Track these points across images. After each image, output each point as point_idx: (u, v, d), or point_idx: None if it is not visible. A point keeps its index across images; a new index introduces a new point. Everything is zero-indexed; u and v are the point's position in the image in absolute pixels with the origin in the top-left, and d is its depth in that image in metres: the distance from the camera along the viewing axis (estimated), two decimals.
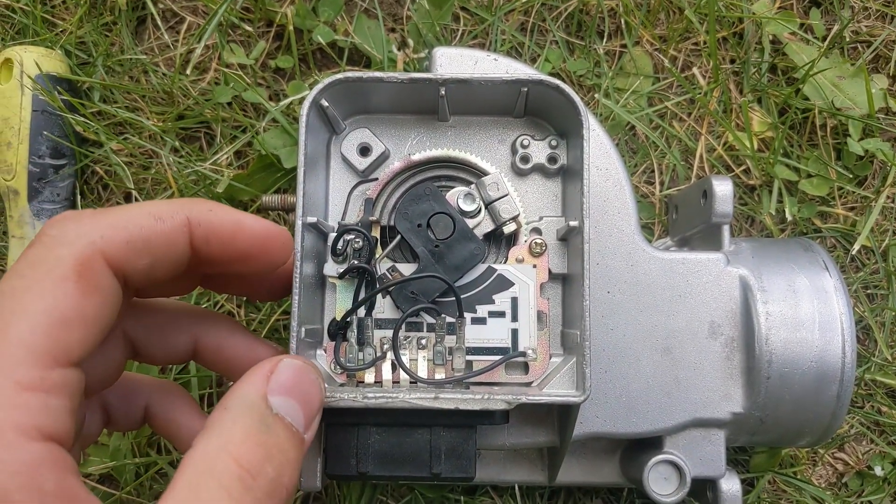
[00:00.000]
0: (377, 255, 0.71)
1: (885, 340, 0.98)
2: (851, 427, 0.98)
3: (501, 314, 0.71)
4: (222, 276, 0.66)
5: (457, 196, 0.71)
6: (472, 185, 0.72)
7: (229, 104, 0.99)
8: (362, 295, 0.69)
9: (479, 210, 0.71)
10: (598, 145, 0.77)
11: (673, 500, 0.75)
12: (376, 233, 0.72)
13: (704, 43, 1.04)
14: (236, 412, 0.50)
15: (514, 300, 0.71)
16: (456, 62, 0.77)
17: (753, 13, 1.04)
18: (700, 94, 1.02)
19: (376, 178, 0.74)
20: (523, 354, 0.70)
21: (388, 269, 0.71)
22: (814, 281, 0.77)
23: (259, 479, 0.47)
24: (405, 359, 0.69)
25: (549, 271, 0.72)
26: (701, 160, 1.01)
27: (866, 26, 1.07)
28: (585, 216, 0.66)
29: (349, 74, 0.68)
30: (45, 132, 0.94)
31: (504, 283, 0.71)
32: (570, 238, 0.72)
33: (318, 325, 0.72)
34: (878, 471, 0.96)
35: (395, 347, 0.67)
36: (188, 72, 1.00)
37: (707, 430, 0.77)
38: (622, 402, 0.75)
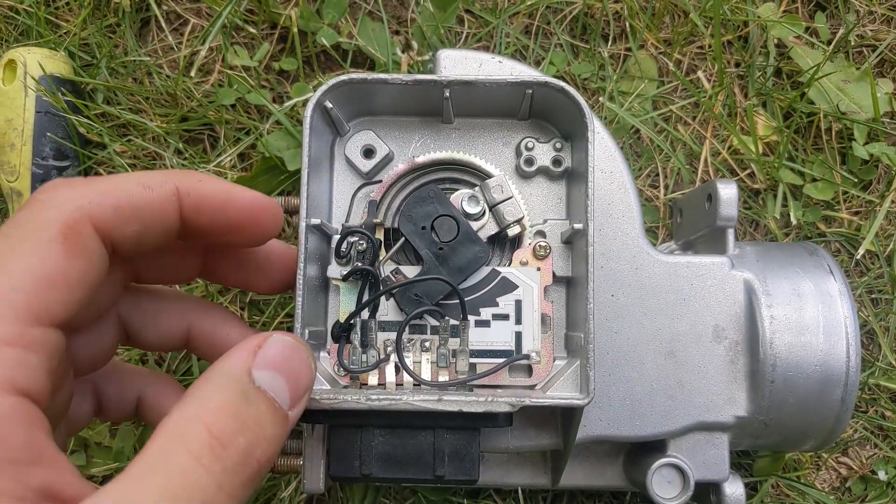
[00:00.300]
0: (381, 258, 0.71)
1: (889, 345, 0.98)
2: (855, 431, 0.98)
3: (505, 317, 0.71)
4: (221, 264, 0.67)
5: (461, 198, 0.71)
6: (477, 188, 0.72)
7: (233, 106, 0.99)
8: (366, 297, 0.69)
9: (484, 212, 0.71)
10: (602, 148, 0.77)
11: (676, 503, 0.75)
12: (380, 235, 0.72)
13: (709, 46, 1.04)
14: (217, 382, 0.50)
15: (518, 303, 0.71)
16: (460, 64, 0.77)
17: (759, 17, 1.04)
18: (705, 97, 1.02)
19: (380, 181, 0.74)
20: (527, 357, 0.70)
21: (391, 272, 0.71)
22: (818, 285, 0.77)
23: (230, 448, 0.46)
24: (409, 361, 0.69)
25: (554, 274, 0.72)
26: (705, 164, 1.01)
27: (871, 30, 1.06)
28: (590, 219, 0.66)
29: (353, 76, 0.68)
30: (49, 133, 0.94)
31: (508, 286, 0.71)
32: (574, 241, 0.72)
33: (322, 327, 0.72)
34: (881, 475, 0.96)
35: (399, 350, 0.67)
36: (192, 74, 1.00)
37: (711, 433, 0.76)
38: (626, 405, 0.75)
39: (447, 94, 0.69)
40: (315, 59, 1.02)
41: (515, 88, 0.69)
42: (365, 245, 0.69)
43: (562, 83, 0.68)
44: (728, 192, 0.79)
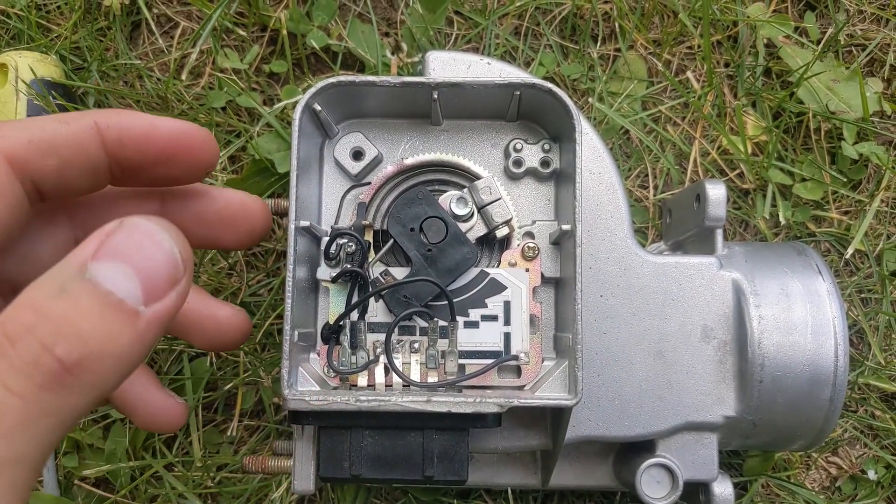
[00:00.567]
0: (370, 259, 0.71)
1: (878, 344, 0.98)
2: (845, 431, 0.98)
3: (494, 318, 0.71)
4: (181, 219, 0.63)
5: (449, 200, 0.71)
6: (465, 189, 0.72)
7: (223, 109, 1.00)
8: (355, 299, 0.69)
9: (472, 214, 0.72)
10: (590, 149, 0.77)
11: (665, 503, 0.75)
12: (369, 237, 0.72)
13: (698, 46, 1.04)
14: (42, 278, 0.43)
15: (507, 304, 0.71)
16: (449, 66, 0.78)
17: (748, 17, 1.04)
18: (694, 97, 1.02)
19: (369, 183, 0.74)
20: (516, 358, 0.70)
21: (380, 273, 0.71)
22: (807, 285, 0.77)
23: (18, 347, 0.40)
24: (398, 362, 0.69)
25: (542, 275, 0.72)
26: (695, 164, 1.01)
27: (861, 30, 1.07)
28: (578, 220, 0.67)
29: (342, 78, 0.68)
30: None
31: (496, 287, 0.71)
32: (562, 242, 0.72)
33: (312, 328, 0.72)
34: (871, 475, 0.97)
35: (388, 351, 0.67)
36: (183, 76, 1.00)
37: (700, 433, 0.77)
38: (615, 405, 0.75)
39: (435, 96, 0.70)
40: (305, 62, 1.02)
41: (503, 90, 0.70)
42: (354, 247, 0.69)
43: (549, 84, 0.68)
44: (716, 192, 0.79)
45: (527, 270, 0.72)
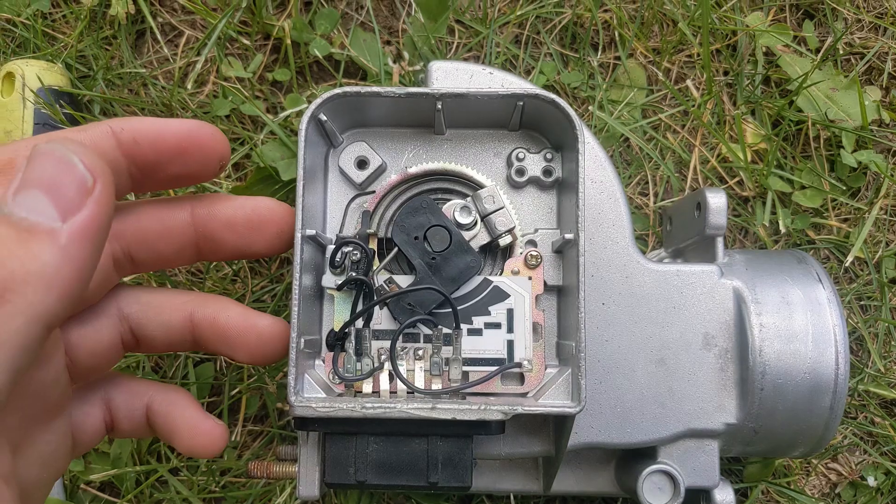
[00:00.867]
0: (375, 267, 0.71)
1: (878, 351, 0.99)
2: (845, 437, 0.98)
3: (497, 325, 0.71)
4: (212, 228, 0.66)
5: (453, 209, 0.72)
6: (468, 198, 0.73)
7: (227, 117, 1.00)
8: (360, 306, 0.70)
9: (475, 222, 0.72)
10: (592, 158, 0.78)
11: None
12: (374, 245, 0.72)
13: (698, 55, 1.05)
14: None
15: (510, 312, 0.72)
16: (452, 76, 0.78)
17: (747, 26, 1.05)
18: (694, 106, 1.03)
19: (373, 191, 0.74)
20: (519, 365, 0.71)
21: (385, 281, 0.72)
22: (807, 293, 0.78)
23: None
24: (402, 369, 0.69)
25: (545, 283, 0.73)
26: (695, 172, 1.02)
27: (859, 38, 1.08)
28: (581, 229, 0.67)
29: (347, 89, 0.69)
30: None
31: (500, 295, 0.72)
32: (565, 250, 0.73)
33: (317, 335, 0.72)
34: (870, 481, 0.97)
35: (393, 358, 0.68)
36: (187, 85, 1.01)
37: (701, 440, 0.77)
38: (617, 412, 0.76)
39: (439, 107, 0.70)
40: (308, 70, 1.03)
41: (507, 100, 0.70)
42: (359, 255, 0.70)
43: (552, 95, 0.69)
44: (717, 201, 0.80)
45: (529, 278, 0.72)
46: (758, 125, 1.03)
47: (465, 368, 0.71)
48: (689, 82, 1.05)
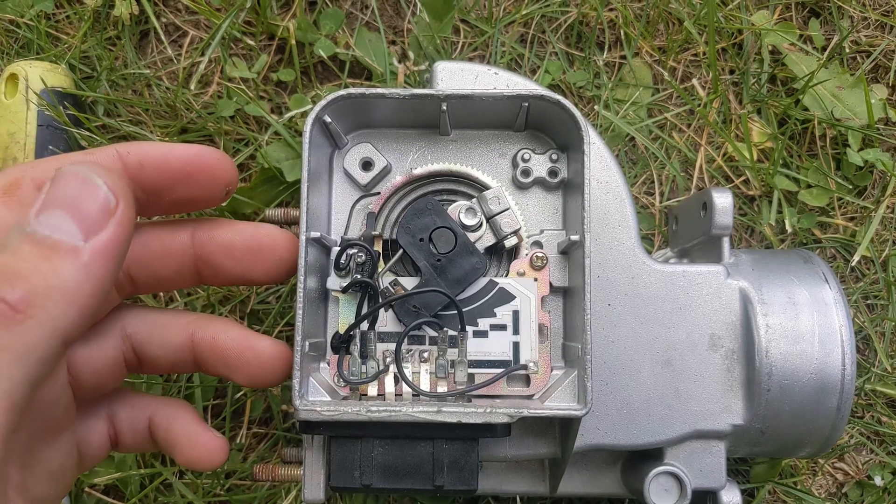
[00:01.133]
0: (380, 270, 0.71)
1: (884, 351, 0.99)
2: (851, 437, 0.98)
3: (503, 327, 0.71)
4: (211, 252, 0.66)
5: (458, 210, 0.72)
6: (474, 199, 0.72)
7: (232, 117, 1.00)
8: (365, 309, 0.70)
9: (481, 224, 0.72)
10: (598, 158, 0.77)
11: None
12: (378, 247, 0.72)
13: (704, 54, 1.05)
14: None
15: (516, 313, 0.71)
16: (457, 76, 0.78)
17: (753, 24, 1.05)
18: (699, 105, 1.02)
19: (378, 193, 0.74)
20: (525, 367, 0.70)
21: (390, 283, 0.72)
22: (814, 293, 0.77)
23: None
24: (408, 372, 0.69)
25: (551, 284, 0.72)
26: (700, 171, 1.01)
27: (866, 36, 1.07)
28: (587, 230, 0.67)
29: (352, 91, 0.69)
30: (51, 147, 0.94)
31: (505, 297, 0.71)
32: (571, 251, 0.73)
33: (322, 338, 0.72)
34: (877, 481, 0.97)
35: (398, 361, 0.68)
36: (191, 86, 1.01)
37: (707, 441, 0.77)
38: (623, 413, 0.76)
39: (444, 108, 0.70)
40: (312, 70, 1.02)
41: (512, 101, 0.70)
42: (364, 257, 0.70)
43: (558, 96, 0.69)
44: (723, 201, 0.79)
45: (535, 280, 0.72)
46: (764, 124, 1.03)
47: (471, 371, 0.70)
48: (694, 81, 1.04)
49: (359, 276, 0.69)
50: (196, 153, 0.61)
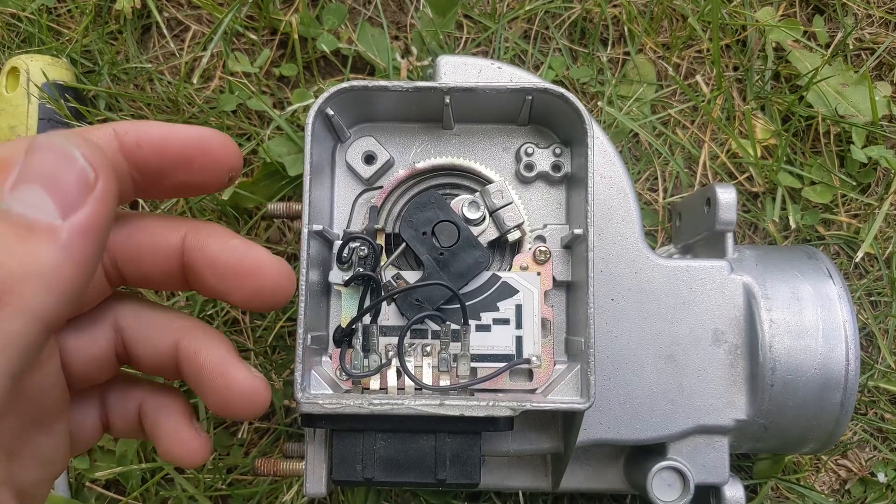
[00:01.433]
0: (382, 263, 0.71)
1: (888, 347, 0.99)
2: (854, 434, 0.98)
3: (506, 321, 0.71)
4: (197, 260, 0.60)
5: (461, 204, 0.72)
6: (477, 193, 0.72)
7: (234, 112, 1.00)
8: (367, 302, 0.69)
9: (484, 218, 0.72)
10: (601, 153, 0.77)
11: None
12: (381, 240, 0.72)
13: (707, 50, 1.04)
14: None
15: (519, 307, 0.71)
16: (460, 70, 0.78)
17: (757, 21, 1.04)
18: (703, 101, 1.02)
19: (381, 186, 0.74)
20: (528, 361, 0.70)
21: (392, 277, 0.71)
22: (817, 289, 0.77)
23: None
24: (410, 365, 0.69)
25: (554, 279, 0.72)
26: (704, 167, 1.01)
27: (870, 33, 1.07)
28: (590, 224, 0.67)
29: (354, 83, 0.68)
30: None
31: (508, 291, 0.71)
32: (574, 246, 0.73)
33: (324, 332, 0.72)
34: (881, 477, 0.97)
35: (401, 354, 0.67)
36: (193, 80, 1.01)
37: (711, 436, 0.77)
38: (626, 408, 0.75)
39: (447, 101, 0.70)
40: (315, 65, 1.02)
41: (515, 95, 0.70)
42: (366, 250, 0.70)
43: (561, 90, 0.68)
44: (727, 196, 0.79)
45: (538, 274, 0.72)
46: (767, 121, 1.03)
47: (474, 365, 0.70)
48: (698, 78, 1.04)
49: (361, 270, 0.69)
50: (198, 135, 0.57)
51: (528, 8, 1.04)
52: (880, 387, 0.98)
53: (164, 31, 1.04)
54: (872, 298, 1.01)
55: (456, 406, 0.64)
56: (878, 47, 1.06)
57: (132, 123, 0.56)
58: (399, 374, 0.69)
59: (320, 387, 0.69)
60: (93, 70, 1.02)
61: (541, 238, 0.74)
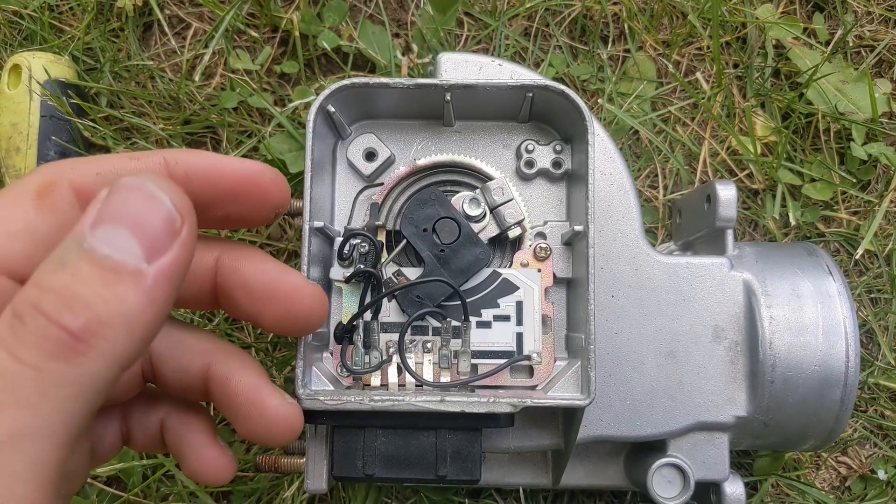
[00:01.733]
0: (383, 260, 0.71)
1: (888, 344, 0.99)
2: (854, 431, 0.98)
3: (506, 318, 0.71)
4: (231, 281, 0.59)
5: (462, 201, 0.72)
6: (477, 190, 0.72)
7: (235, 109, 1.00)
8: (368, 299, 0.70)
9: (484, 215, 0.72)
10: (602, 150, 0.77)
11: (676, 503, 0.75)
12: (382, 237, 0.72)
13: (708, 48, 1.05)
14: (47, 258, 0.43)
15: (519, 304, 0.71)
16: (461, 67, 0.78)
17: (757, 18, 1.04)
18: (703, 98, 1.02)
19: (382, 183, 0.74)
20: (528, 358, 0.70)
21: (393, 274, 0.72)
22: (817, 285, 0.77)
23: (27, 323, 0.40)
24: (411, 362, 0.69)
25: (554, 275, 0.72)
26: (704, 164, 1.01)
27: (870, 31, 1.07)
28: (590, 221, 0.67)
29: (356, 80, 0.69)
30: (54, 137, 0.94)
31: (509, 288, 0.71)
32: (574, 242, 0.73)
33: (325, 328, 0.72)
34: (881, 474, 0.97)
35: (401, 351, 0.68)
36: (195, 77, 1.01)
37: (711, 433, 0.77)
38: (626, 405, 0.76)
39: (448, 98, 0.70)
40: (316, 62, 1.02)
41: (516, 92, 0.70)
42: (367, 247, 0.70)
43: (562, 86, 0.69)
44: (727, 193, 0.79)
45: (539, 271, 0.72)
46: (767, 118, 1.03)
47: (474, 361, 0.70)
48: (698, 75, 1.04)
49: (362, 266, 0.69)
50: (250, 172, 0.56)
51: (528, 5, 1.04)
52: (880, 384, 0.98)
53: (166, 28, 1.04)
54: (872, 295, 1.01)
55: (457, 402, 0.64)
56: (878, 44, 1.06)
57: (182, 152, 0.55)
58: (400, 371, 0.69)
59: (321, 383, 0.69)
60: (94, 67, 1.02)
61: (541, 235, 0.74)
